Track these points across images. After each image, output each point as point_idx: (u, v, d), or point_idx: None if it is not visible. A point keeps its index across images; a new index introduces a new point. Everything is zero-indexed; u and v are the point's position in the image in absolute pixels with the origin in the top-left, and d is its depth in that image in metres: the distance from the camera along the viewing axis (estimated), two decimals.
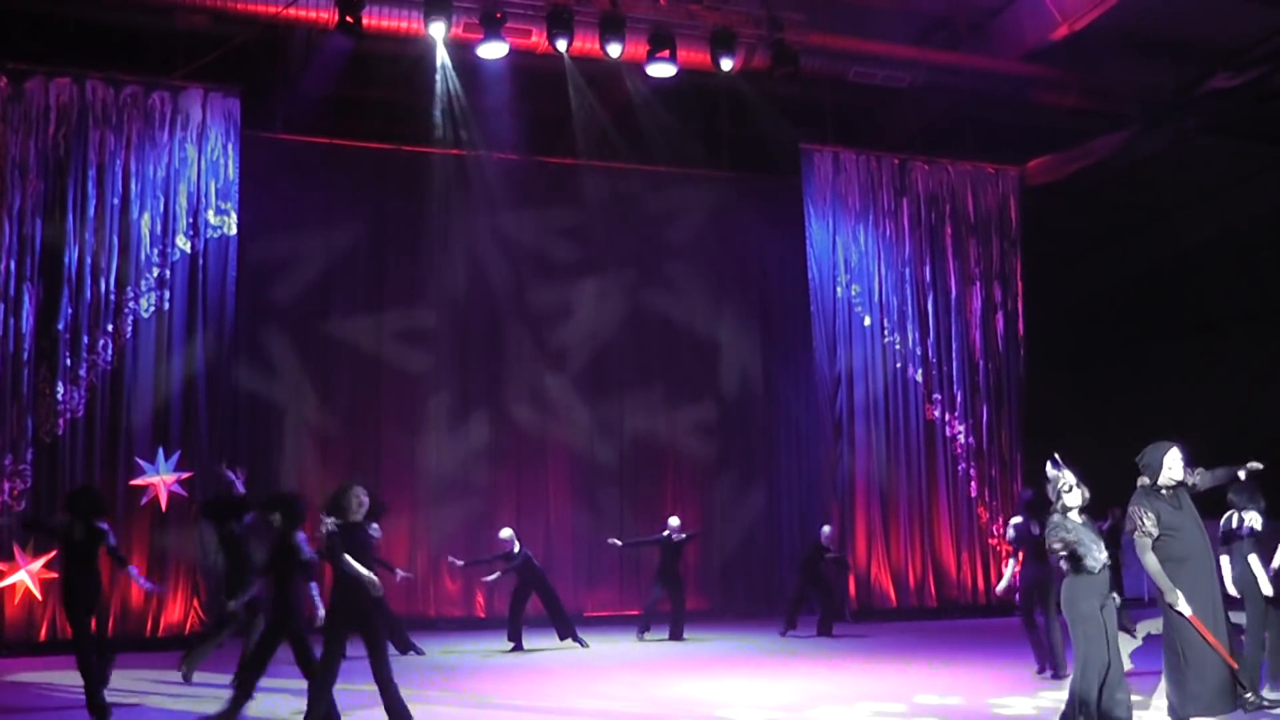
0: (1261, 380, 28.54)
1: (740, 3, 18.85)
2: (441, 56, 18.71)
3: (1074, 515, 8.80)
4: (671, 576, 18.27)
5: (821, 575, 18.80)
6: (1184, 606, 8.54)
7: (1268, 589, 11.49)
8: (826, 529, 19.31)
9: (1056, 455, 9.12)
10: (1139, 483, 8.91)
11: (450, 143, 20.29)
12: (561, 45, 17.74)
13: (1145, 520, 8.71)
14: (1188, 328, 30.32)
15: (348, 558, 9.37)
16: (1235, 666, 8.66)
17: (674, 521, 18.52)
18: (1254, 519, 11.69)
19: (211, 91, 18.59)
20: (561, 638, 17.23)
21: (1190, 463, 9.03)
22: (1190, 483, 8.97)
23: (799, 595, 18.68)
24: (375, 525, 9.78)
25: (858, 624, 19.85)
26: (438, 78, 19.06)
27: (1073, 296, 29.16)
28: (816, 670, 14.53)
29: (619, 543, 18.91)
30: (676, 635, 18.05)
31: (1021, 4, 19.91)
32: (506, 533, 17.46)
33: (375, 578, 9.40)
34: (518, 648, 16.85)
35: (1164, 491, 8.84)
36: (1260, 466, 9.41)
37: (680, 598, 18.37)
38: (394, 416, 20.76)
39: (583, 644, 17.09)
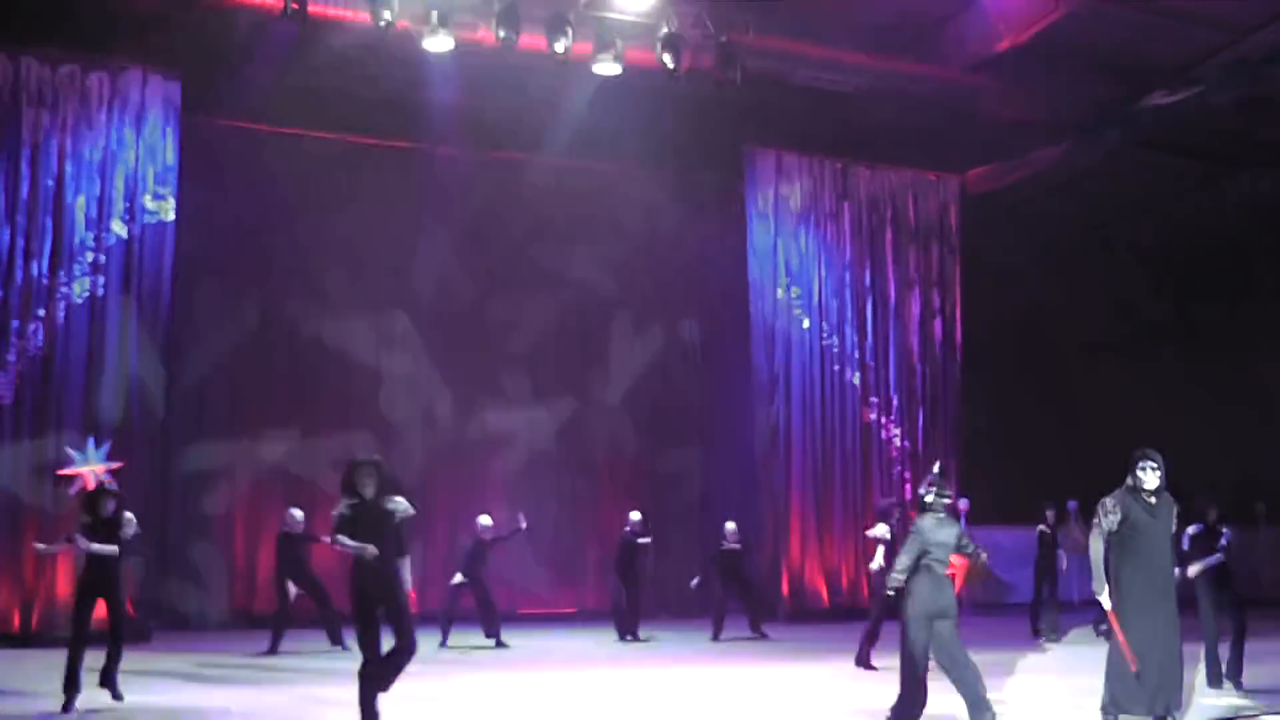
0: (1193, 396, 28.90)
1: (688, 3, 18.81)
2: (387, 48, 18.56)
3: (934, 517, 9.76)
4: (629, 575, 18.07)
5: (742, 575, 18.74)
6: (1106, 601, 9.26)
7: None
8: (730, 525, 19.05)
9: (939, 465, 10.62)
10: (1126, 482, 9.44)
11: (395, 135, 20.15)
12: (507, 41, 17.64)
13: (1106, 512, 9.35)
14: (1121, 340, 30.68)
15: (341, 536, 9.27)
16: (1134, 669, 9.14)
17: (634, 516, 18.39)
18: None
19: (151, 74, 18.31)
20: (487, 635, 17.14)
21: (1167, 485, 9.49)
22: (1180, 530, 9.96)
23: (721, 597, 18.64)
24: (399, 499, 9.66)
25: (791, 624, 19.92)
26: (384, 70, 18.92)
27: (1010, 304, 29.39)
28: (749, 669, 14.51)
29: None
30: (626, 633, 18.00)
31: (967, 16, 20.02)
32: (486, 520, 17.49)
33: (371, 547, 9.19)
34: (444, 644, 16.76)
35: (1143, 494, 9.31)
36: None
37: (636, 596, 18.16)
38: (333, 408, 20.58)
39: (504, 645, 16.97)
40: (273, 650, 15.93)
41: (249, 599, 19.60)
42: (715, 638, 17.97)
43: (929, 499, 9.88)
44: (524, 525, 17.45)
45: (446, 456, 21.26)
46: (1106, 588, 9.27)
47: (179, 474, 19.34)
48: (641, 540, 18.22)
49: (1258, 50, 19.61)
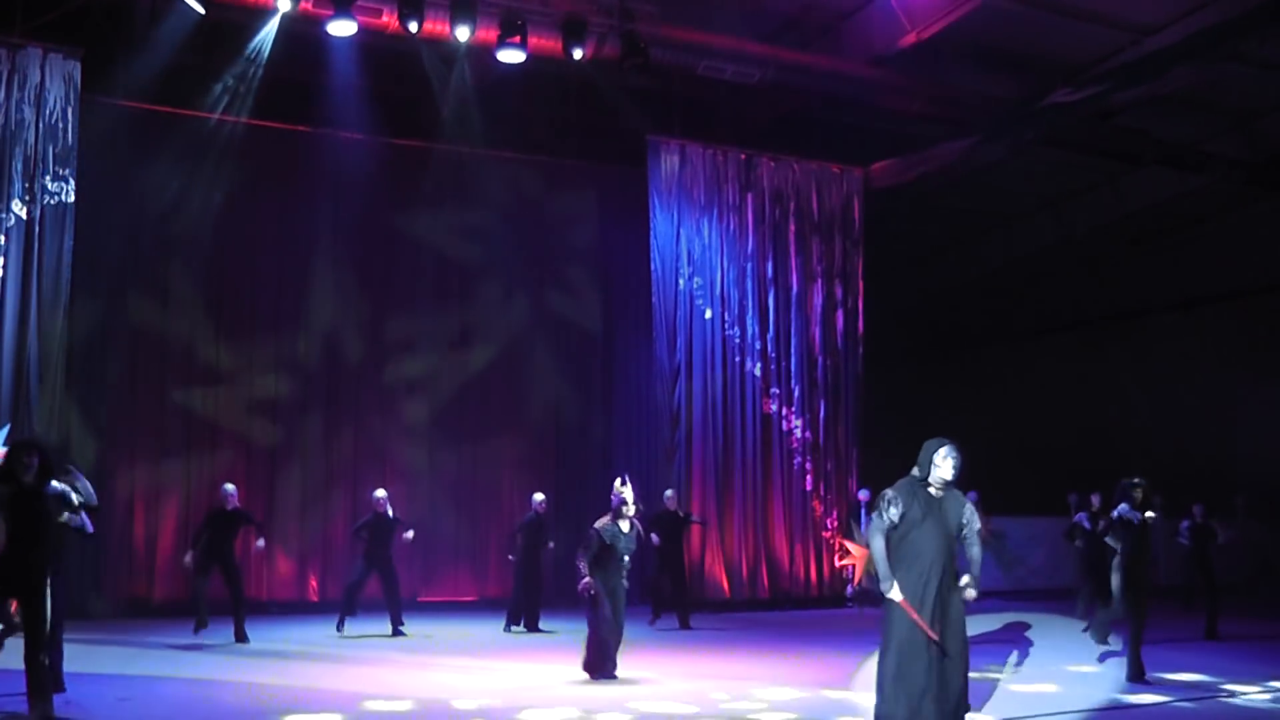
0: (1088, 386, 29.39)
1: None
2: (291, 31, 18.49)
3: (623, 524, 12.60)
4: (533, 562, 17.84)
5: (677, 557, 18.62)
6: (896, 594, 8.54)
7: None
8: (669, 492, 19.15)
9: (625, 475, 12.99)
10: (911, 472, 8.81)
11: (296, 119, 20.04)
12: (412, 26, 17.61)
13: (888, 506, 8.71)
14: (1021, 332, 31.16)
15: None
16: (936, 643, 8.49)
17: (538, 497, 18.17)
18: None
19: (51, 52, 17.87)
20: (394, 625, 16.90)
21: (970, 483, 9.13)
22: (964, 530, 8.81)
23: (659, 577, 18.57)
24: (57, 484, 9.38)
25: (691, 614, 19.96)
26: (286, 53, 18.81)
27: (912, 297, 29.76)
28: (653, 661, 14.44)
29: (511, 558, 18.12)
30: (532, 625, 17.75)
31: (872, 9, 20.20)
32: (381, 493, 17.07)
33: None
34: (339, 627, 16.63)
35: (931, 490, 8.70)
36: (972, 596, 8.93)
37: (538, 584, 17.98)
38: (231, 392, 20.43)
39: (403, 634, 16.74)
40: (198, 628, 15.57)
41: (149, 589, 19.38)
42: (653, 623, 17.92)
43: (626, 509, 12.62)
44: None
45: (347, 440, 21.16)
46: (894, 582, 8.55)
47: (78, 460, 19.02)
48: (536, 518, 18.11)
49: (1158, 51, 19.92)
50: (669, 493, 19.20)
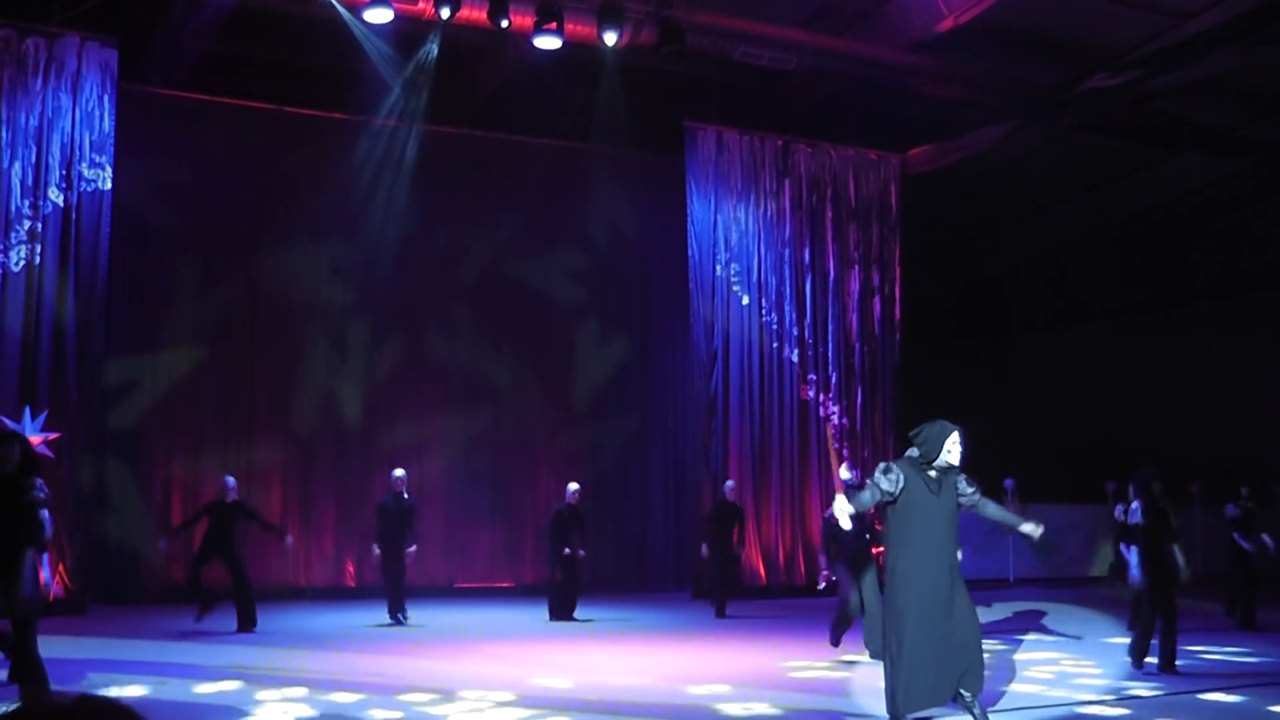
0: (1125, 373, 29.24)
1: None
2: (326, 18, 18.52)
3: None
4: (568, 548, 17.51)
5: (730, 545, 18.48)
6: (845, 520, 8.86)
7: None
8: (730, 483, 19.13)
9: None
10: (908, 453, 8.54)
11: (332, 106, 20.08)
12: (446, 13, 17.58)
13: (886, 473, 8.42)
14: (1057, 319, 31.04)
15: None
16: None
17: (573, 486, 17.85)
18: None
19: (89, 41, 18.01)
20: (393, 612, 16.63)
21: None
22: (969, 499, 8.60)
23: (722, 569, 18.45)
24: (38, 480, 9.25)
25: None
26: (322, 40, 18.84)
27: (948, 283, 29.68)
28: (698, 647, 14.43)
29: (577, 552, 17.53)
30: (569, 611, 17.49)
31: None
32: (399, 473, 16.86)
33: None
34: (401, 619, 16.34)
35: (931, 472, 8.40)
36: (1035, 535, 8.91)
37: (573, 573, 17.68)
38: (268, 375, 20.52)
39: (402, 622, 16.42)
40: (199, 618, 15.49)
41: (185, 572, 19.43)
42: (721, 613, 17.75)
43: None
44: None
45: (384, 428, 21.18)
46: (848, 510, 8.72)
47: (115, 445, 19.17)
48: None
49: (1196, 35, 19.77)
50: (730, 483, 19.23)
